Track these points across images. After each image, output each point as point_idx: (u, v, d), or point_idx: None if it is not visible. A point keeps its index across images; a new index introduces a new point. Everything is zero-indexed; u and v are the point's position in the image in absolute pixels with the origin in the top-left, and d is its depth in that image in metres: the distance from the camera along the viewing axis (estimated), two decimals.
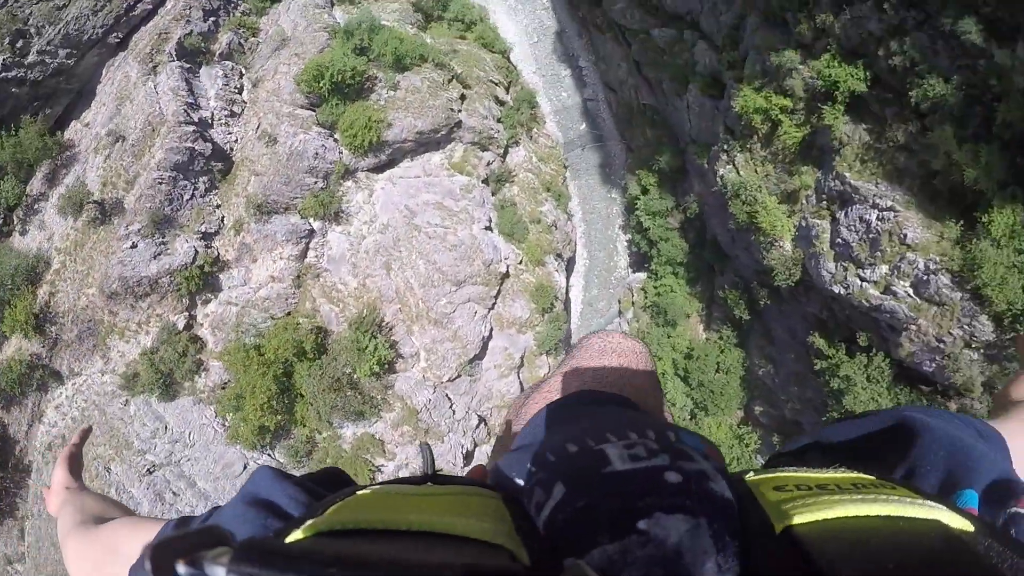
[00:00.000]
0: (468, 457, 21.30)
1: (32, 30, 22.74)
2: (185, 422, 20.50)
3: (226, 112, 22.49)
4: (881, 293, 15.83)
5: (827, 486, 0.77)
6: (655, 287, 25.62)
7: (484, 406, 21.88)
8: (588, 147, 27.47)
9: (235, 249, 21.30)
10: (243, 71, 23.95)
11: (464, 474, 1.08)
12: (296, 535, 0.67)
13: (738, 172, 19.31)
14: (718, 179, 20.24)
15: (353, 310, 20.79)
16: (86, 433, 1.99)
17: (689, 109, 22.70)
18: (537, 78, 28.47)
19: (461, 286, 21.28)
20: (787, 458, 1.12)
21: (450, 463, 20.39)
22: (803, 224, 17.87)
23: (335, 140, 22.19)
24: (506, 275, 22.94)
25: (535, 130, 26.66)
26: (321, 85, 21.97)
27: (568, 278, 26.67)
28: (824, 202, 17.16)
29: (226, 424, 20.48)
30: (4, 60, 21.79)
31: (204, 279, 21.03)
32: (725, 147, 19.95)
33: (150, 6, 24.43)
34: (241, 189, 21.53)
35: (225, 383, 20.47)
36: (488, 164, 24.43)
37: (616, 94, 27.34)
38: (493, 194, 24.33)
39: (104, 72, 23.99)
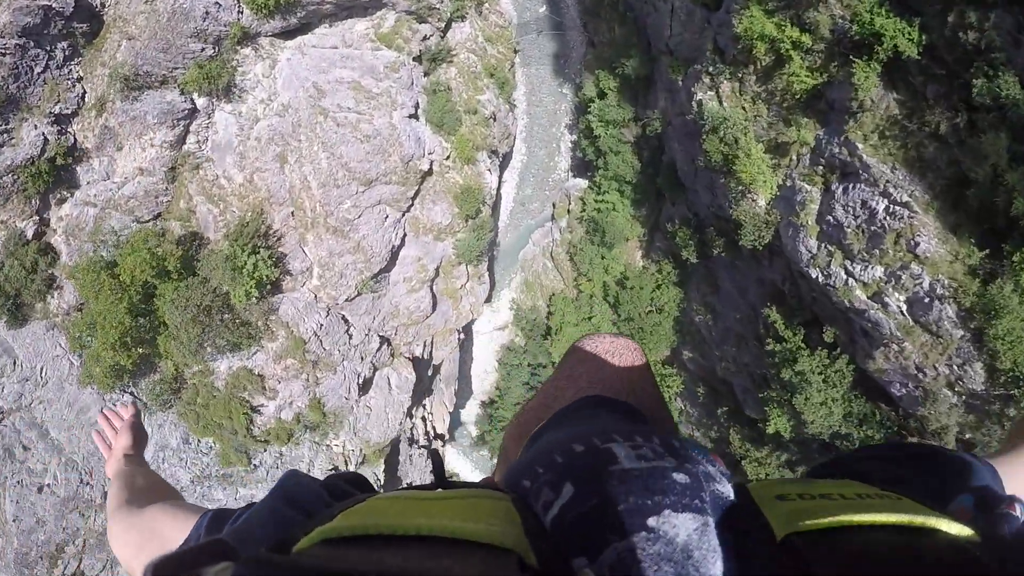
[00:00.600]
0: (365, 386, 18.85)
1: None
2: (36, 354, 17.46)
3: None
4: (869, 298, 13.87)
5: (830, 496, 0.75)
6: (596, 201, 23.42)
7: (388, 325, 19.40)
8: (544, 33, 23.94)
9: (96, 135, 17.46)
10: None
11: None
12: (304, 542, 0.66)
13: (721, 103, 16.43)
14: (693, 104, 17.43)
15: (236, 212, 17.41)
16: (136, 409, 2.09)
17: (673, 14, 19.37)
18: None
19: (371, 186, 18.06)
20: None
21: (342, 397, 17.91)
22: (788, 184, 15.44)
23: None
24: (428, 172, 19.94)
25: (486, 5, 22.81)
26: None
27: (501, 174, 24.21)
28: (820, 167, 14.69)
29: (82, 357, 17.34)
30: None
31: (56, 174, 17.25)
32: (710, 69, 16.92)
33: None
34: (109, 57, 17.26)
35: (81, 304, 17.20)
36: (424, 39, 20.69)
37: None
38: (425, 75, 20.79)
39: None
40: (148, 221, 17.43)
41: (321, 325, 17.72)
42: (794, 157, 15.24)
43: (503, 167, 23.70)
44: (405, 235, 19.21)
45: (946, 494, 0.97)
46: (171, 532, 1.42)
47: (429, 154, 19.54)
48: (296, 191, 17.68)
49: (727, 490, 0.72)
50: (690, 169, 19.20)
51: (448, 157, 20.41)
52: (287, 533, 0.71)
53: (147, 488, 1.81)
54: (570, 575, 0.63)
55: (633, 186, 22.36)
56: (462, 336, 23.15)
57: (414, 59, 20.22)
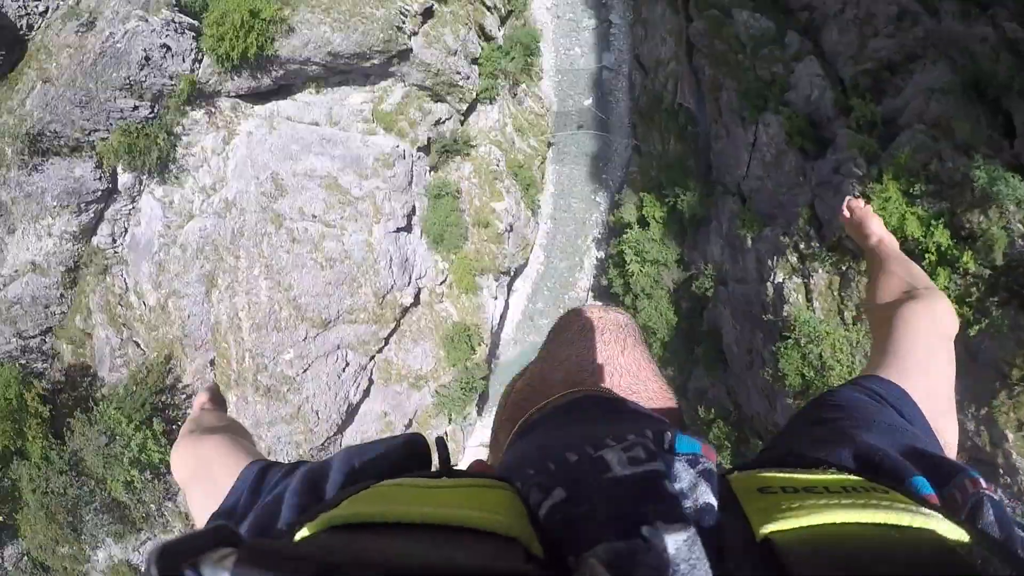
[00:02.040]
0: None
1: None
2: None
3: None
4: None
5: (815, 488, 0.73)
6: None
7: None
8: (585, 129, 19.78)
9: None
10: None
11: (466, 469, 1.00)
12: (307, 530, 0.66)
13: (810, 302, 12.08)
14: (769, 286, 13.55)
15: (140, 348, 12.94)
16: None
17: (754, 148, 14.88)
18: (549, 17, 20.58)
19: (328, 328, 13.53)
20: (770, 454, 1.07)
21: None
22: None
23: (194, 38, 13.49)
24: (414, 304, 15.33)
25: (524, 87, 18.56)
26: None
27: (512, 283, 20.46)
28: None
29: None
30: None
31: None
32: (800, 246, 12.56)
33: None
34: (18, 102, 12.99)
35: None
36: (437, 123, 16.43)
37: (645, 75, 19.52)
38: (432, 170, 16.31)
39: None
40: (33, 337, 12.97)
41: None
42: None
43: (515, 277, 20.22)
44: (370, 385, 14.73)
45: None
46: (220, 470, 1.38)
47: (418, 279, 15.23)
48: (221, 331, 13.20)
49: (712, 497, 0.69)
50: (742, 356, 15.07)
51: (444, 282, 16.00)
52: (300, 518, 0.70)
53: (214, 424, 1.76)
54: (570, 568, 0.61)
55: (663, 343, 18.67)
56: None
57: (419, 148, 15.85)
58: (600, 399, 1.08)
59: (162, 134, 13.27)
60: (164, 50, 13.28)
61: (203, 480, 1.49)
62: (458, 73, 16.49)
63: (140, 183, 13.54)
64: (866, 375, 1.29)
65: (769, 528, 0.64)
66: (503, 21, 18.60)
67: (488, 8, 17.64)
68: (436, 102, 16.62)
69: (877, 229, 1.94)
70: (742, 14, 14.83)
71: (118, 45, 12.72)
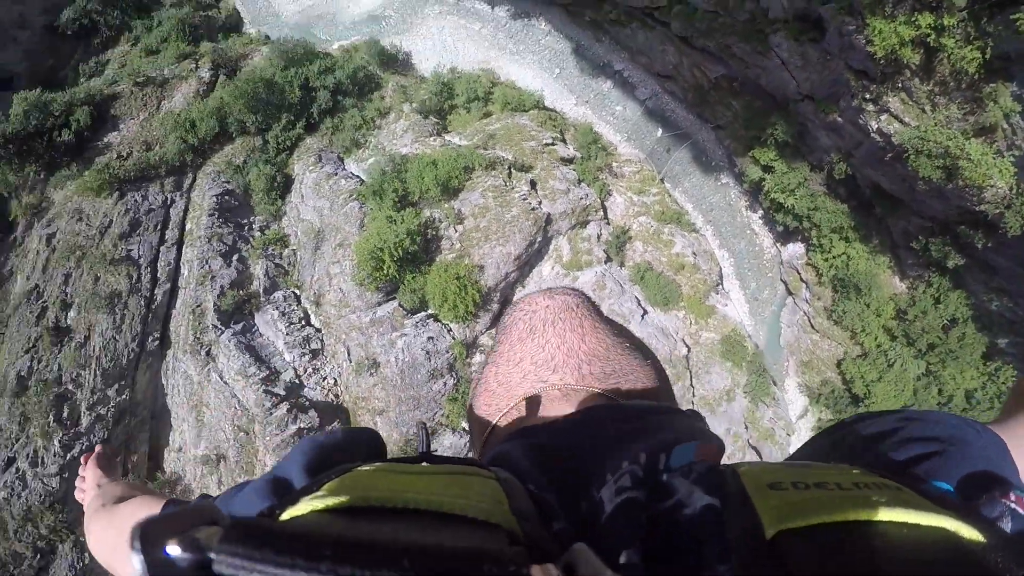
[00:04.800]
0: None
1: (70, 386, 20.69)
2: None
3: (307, 356, 20.46)
4: None
5: (826, 484, 0.75)
6: (827, 261, 24.09)
7: None
8: (673, 149, 24.45)
9: None
10: (296, 293, 20.98)
11: None
12: (287, 514, 0.69)
13: (902, 121, 15.66)
14: (873, 135, 18.59)
15: None
16: (113, 450, 2.28)
17: (787, 64, 19.36)
18: (583, 108, 27.43)
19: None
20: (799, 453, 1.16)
21: None
22: (1020, 157, 15.92)
23: (436, 320, 18.80)
24: (688, 352, 19.49)
25: (614, 165, 23.53)
26: (387, 271, 20.02)
27: (725, 286, 25.28)
28: None
29: None
30: (62, 440, 19.01)
31: None
32: (865, 95, 16.38)
33: (168, 285, 22.52)
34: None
35: None
36: (599, 237, 20.94)
37: (674, 81, 25.05)
38: (622, 266, 20.69)
39: (165, 382, 21.13)
40: None
41: None
42: (1006, 126, 15.51)
43: (722, 280, 25.24)
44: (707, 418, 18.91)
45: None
46: None
47: (676, 334, 19.34)
48: None
49: (707, 498, 0.73)
50: (901, 186, 20.05)
51: (691, 324, 20.11)
52: (280, 502, 0.74)
53: (123, 492, 1.88)
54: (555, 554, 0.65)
55: (853, 227, 23.28)
56: None
57: (605, 262, 20.37)
58: (598, 418, 1.10)
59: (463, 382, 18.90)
60: (430, 340, 19.23)
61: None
62: (580, 197, 21.35)
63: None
64: (978, 422, 1.19)
65: (780, 526, 0.67)
66: (565, 140, 24.86)
67: (551, 144, 23.17)
68: (585, 227, 21.41)
69: None
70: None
71: (406, 359, 18.61)
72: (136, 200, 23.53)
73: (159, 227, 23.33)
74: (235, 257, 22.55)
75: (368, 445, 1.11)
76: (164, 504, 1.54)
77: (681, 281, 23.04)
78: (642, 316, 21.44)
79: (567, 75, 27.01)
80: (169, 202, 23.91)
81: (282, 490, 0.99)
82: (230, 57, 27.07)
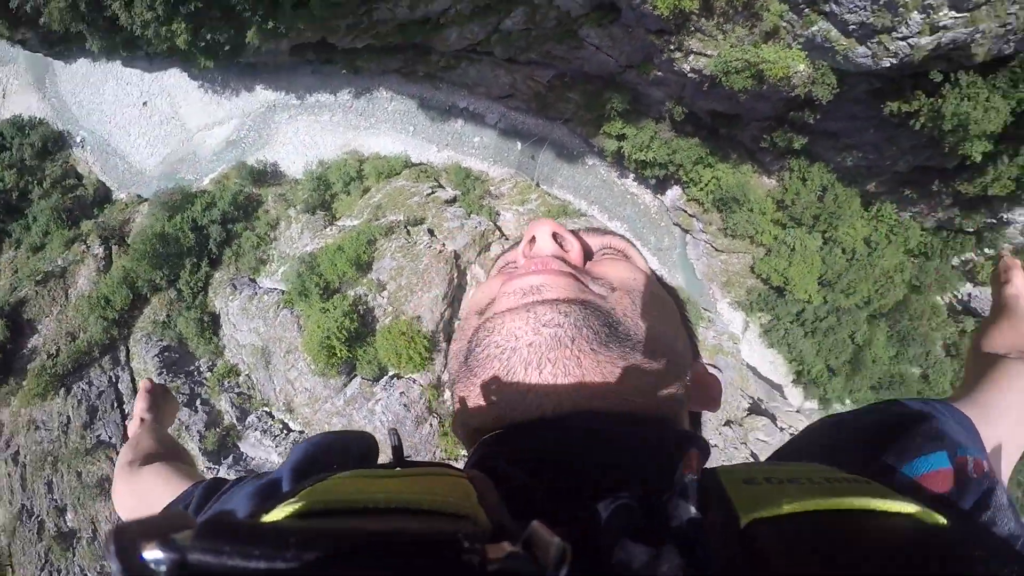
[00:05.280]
0: None
1: None
2: None
3: None
4: (931, 35, 18.18)
5: (797, 479, 0.83)
6: (702, 191, 27.93)
7: None
8: (537, 154, 28.59)
9: None
10: (267, 411, 23.69)
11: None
12: (266, 518, 0.75)
13: (706, 56, 20.13)
14: (690, 75, 22.51)
15: None
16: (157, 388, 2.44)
17: (601, 48, 23.84)
18: (446, 152, 30.70)
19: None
20: (778, 455, 1.25)
21: None
22: (804, 42, 20.14)
23: (399, 377, 22.06)
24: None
25: (492, 188, 27.43)
26: (340, 354, 22.78)
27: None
28: (803, 8, 19.55)
29: None
30: None
31: None
32: (671, 47, 20.57)
33: None
34: None
35: None
36: (504, 254, 24.10)
37: (514, 97, 29.88)
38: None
39: None
40: None
41: None
42: (784, 24, 19.99)
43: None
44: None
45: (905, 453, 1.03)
46: (159, 498, 1.62)
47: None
48: None
49: (690, 511, 0.75)
50: (730, 104, 24.02)
51: None
52: (256, 510, 0.82)
53: (152, 450, 2.04)
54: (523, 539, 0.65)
55: (710, 153, 27.24)
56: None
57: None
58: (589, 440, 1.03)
59: None
60: (404, 400, 21.98)
61: (144, 514, 1.28)
62: (474, 227, 24.91)
63: None
64: (939, 399, 1.34)
65: (752, 515, 0.73)
66: (443, 186, 28.79)
67: (432, 194, 27.15)
68: (488, 250, 25.13)
69: (1020, 283, 1.98)
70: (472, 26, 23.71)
71: (392, 421, 21.09)
72: (83, 389, 25.66)
73: (115, 404, 25.55)
74: (198, 402, 24.89)
75: (359, 446, 1.17)
76: (185, 489, 1.58)
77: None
78: None
79: (421, 129, 30.41)
80: (115, 379, 26.12)
81: (273, 491, 1.07)
82: (114, 227, 29.48)
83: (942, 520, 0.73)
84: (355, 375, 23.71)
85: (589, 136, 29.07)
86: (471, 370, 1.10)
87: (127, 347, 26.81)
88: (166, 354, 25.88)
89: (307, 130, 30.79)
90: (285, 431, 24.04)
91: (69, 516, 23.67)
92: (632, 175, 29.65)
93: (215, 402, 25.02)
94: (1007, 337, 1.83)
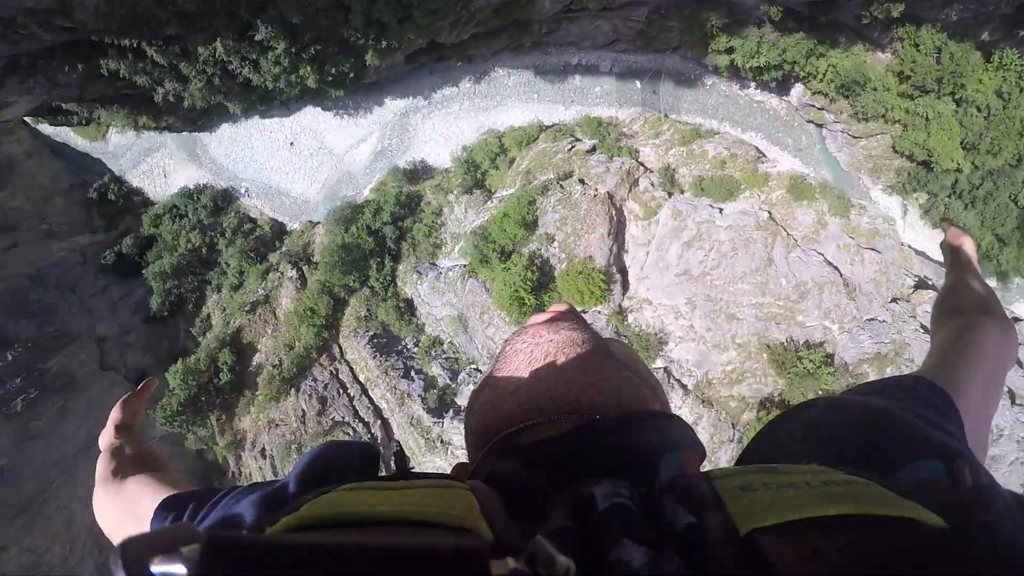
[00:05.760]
0: None
1: None
2: None
3: None
4: None
5: (796, 484, 0.88)
6: (822, 82, 29.70)
7: None
8: (657, 87, 31.78)
9: None
10: (474, 367, 28.97)
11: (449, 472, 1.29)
12: (270, 529, 0.84)
13: None
14: None
15: None
16: (151, 383, 2.42)
17: None
18: (574, 108, 34.37)
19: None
20: (756, 456, 1.30)
21: None
22: None
23: (585, 313, 25.22)
24: (770, 214, 26.27)
25: (625, 130, 30.94)
26: (529, 303, 26.48)
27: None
28: None
29: None
30: None
31: None
32: None
33: (378, 421, 29.78)
34: None
35: None
36: (653, 184, 28.57)
37: (620, 41, 33.02)
38: (683, 192, 27.81)
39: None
40: None
41: None
42: None
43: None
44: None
45: (900, 459, 1.05)
46: (148, 509, 1.67)
47: (753, 209, 25.53)
48: None
49: (689, 516, 0.81)
50: None
51: (758, 196, 26.26)
52: (261, 523, 0.89)
53: (135, 458, 2.06)
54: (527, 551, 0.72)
55: (819, 43, 29.41)
56: None
57: (669, 198, 26.58)
58: (589, 432, 1.21)
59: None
60: (593, 326, 25.13)
61: (132, 526, 1.69)
62: (620, 168, 27.86)
63: None
64: (916, 375, 1.47)
65: (752, 525, 0.76)
66: (578, 139, 32.37)
67: (571, 149, 30.61)
68: (637, 185, 27.88)
69: (969, 247, 2.27)
70: None
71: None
72: (311, 385, 30.58)
73: (340, 390, 30.42)
74: (412, 372, 29.45)
75: (360, 456, 1.27)
76: (160, 501, 1.66)
77: (731, 172, 29.27)
78: (720, 212, 27.98)
79: (544, 93, 34.11)
80: (335, 372, 30.95)
81: (275, 501, 1.11)
82: (298, 251, 34.59)
83: (940, 521, 0.79)
84: None
85: (700, 57, 31.68)
86: (502, 357, 1.49)
87: (339, 344, 31.57)
88: (375, 341, 30.40)
89: (442, 124, 34.87)
90: None
91: None
92: (752, 83, 32.13)
93: (427, 370, 29.25)
94: (968, 293, 2.06)
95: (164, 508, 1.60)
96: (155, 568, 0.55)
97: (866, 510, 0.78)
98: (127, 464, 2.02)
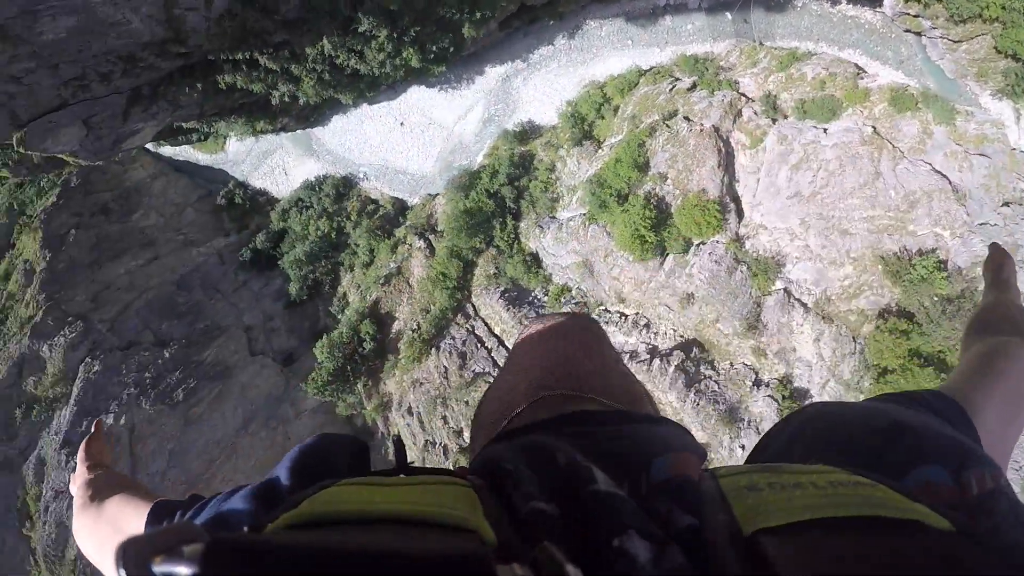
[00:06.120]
0: None
1: None
2: None
3: (644, 331, 29.89)
4: None
5: (802, 485, 0.89)
6: None
7: None
8: (748, 16, 34.48)
9: None
10: (602, 308, 31.68)
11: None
12: (270, 528, 0.85)
13: None
14: None
15: None
16: (100, 424, 2.53)
17: None
18: (669, 49, 36.15)
19: None
20: (765, 455, 1.36)
21: None
22: None
23: (703, 243, 29.38)
24: (874, 128, 29.10)
25: (722, 63, 33.00)
26: (650, 240, 29.15)
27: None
28: None
29: None
30: None
31: None
32: None
33: None
34: None
35: None
36: (756, 113, 30.01)
37: None
38: (786, 117, 29.11)
39: None
40: None
41: None
42: None
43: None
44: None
45: (906, 463, 1.09)
46: (130, 522, 1.76)
47: (856, 125, 27.10)
48: None
49: (687, 517, 0.84)
50: None
51: (861, 112, 27.71)
52: (261, 519, 0.89)
53: (110, 483, 2.12)
54: (529, 557, 0.74)
55: None
56: None
57: (773, 124, 28.46)
58: (587, 415, 1.27)
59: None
60: (712, 254, 27.30)
61: (115, 543, 1.54)
62: (722, 101, 29.72)
63: None
64: (934, 391, 1.48)
65: (757, 525, 0.78)
66: (679, 77, 34.06)
67: (673, 89, 32.54)
68: (741, 116, 29.70)
69: (1010, 267, 2.26)
70: None
71: (711, 269, 26.80)
72: (450, 343, 33.95)
73: (479, 344, 33.79)
74: None
75: (350, 449, 1.33)
76: (151, 507, 1.71)
77: (831, 92, 30.60)
78: (825, 132, 29.55)
79: (638, 38, 35.96)
80: (472, 328, 34.22)
81: (268, 495, 1.17)
82: (422, 223, 37.90)
83: (947, 524, 0.82)
84: (667, 254, 29.78)
85: None
86: (518, 343, 1.62)
87: (472, 303, 34.64)
88: (507, 295, 33.31)
89: (543, 83, 37.22)
90: (623, 317, 30.70)
91: (465, 435, 31.44)
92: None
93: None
94: (1003, 319, 2.08)
95: (158, 512, 1.72)
96: (156, 568, 0.60)
97: (872, 512, 0.84)
98: (103, 488, 2.13)
